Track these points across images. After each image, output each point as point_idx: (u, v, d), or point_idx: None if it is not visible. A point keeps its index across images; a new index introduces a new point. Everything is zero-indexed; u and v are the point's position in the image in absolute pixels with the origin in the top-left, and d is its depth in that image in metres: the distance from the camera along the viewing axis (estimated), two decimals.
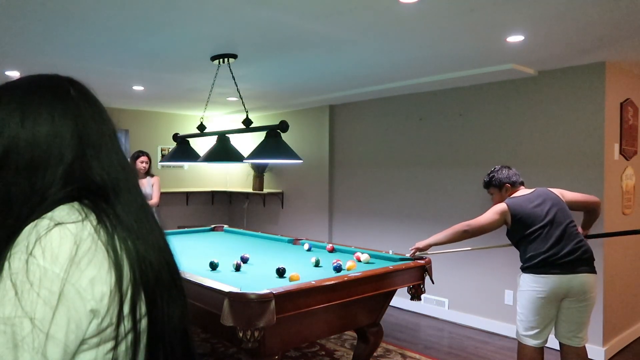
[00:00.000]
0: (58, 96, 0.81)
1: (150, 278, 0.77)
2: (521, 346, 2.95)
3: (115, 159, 0.83)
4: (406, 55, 3.70)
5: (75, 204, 0.76)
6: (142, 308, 0.75)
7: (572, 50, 3.55)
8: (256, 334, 2.25)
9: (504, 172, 3.12)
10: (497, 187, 3.13)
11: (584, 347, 2.93)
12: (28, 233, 0.70)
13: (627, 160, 4.20)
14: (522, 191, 3.08)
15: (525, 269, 2.93)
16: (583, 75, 3.97)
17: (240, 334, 2.24)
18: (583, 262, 2.85)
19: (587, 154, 3.95)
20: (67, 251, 0.69)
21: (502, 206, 2.99)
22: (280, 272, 2.84)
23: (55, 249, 0.69)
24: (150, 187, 5.20)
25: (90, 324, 0.70)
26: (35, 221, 0.72)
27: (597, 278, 2.93)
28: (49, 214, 0.73)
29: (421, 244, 3.18)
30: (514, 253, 3.15)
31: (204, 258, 3.53)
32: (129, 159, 5.01)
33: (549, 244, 2.85)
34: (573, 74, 4.03)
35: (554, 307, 2.87)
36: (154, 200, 5.18)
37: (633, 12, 2.72)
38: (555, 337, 2.97)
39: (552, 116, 4.14)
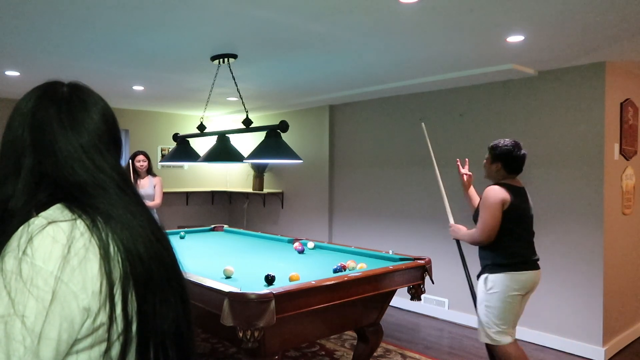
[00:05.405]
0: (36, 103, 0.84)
1: (140, 274, 0.75)
2: (503, 347, 2.84)
3: (100, 161, 0.82)
4: (406, 55, 3.70)
5: (64, 204, 0.76)
6: (134, 304, 0.74)
7: (572, 50, 3.55)
8: (256, 334, 2.25)
9: (509, 149, 2.92)
10: (493, 157, 2.96)
11: None
12: (21, 233, 0.70)
13: (627, 160, 4.20)
14: (515, 182, 2.96)
15: (500, 268, 2.84)
16: (583, 75, 3.97)
17: (240, 334, 2.25)
18: (537, 259, 2.96)
19: (587, 154, 3.95)
20: (59, 249, 0.69)
21: (498, 193, 2.82)
22: (270, 280, 2.65)
23: (47, 247, 0.68)
24: (152, 188, 5.09)
25: (84, 322, 0.69)
26: (29, 220, 0.72)
27: None
28: (43, 213, 0.73)
29: (457, 230, 3.19)
30: None
31: (203, 258, 3.53)
32: (127, 159, 4.92)
33: (529, 241, 2.93)
34: (573, 74, 4.03)
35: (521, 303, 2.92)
36: (157, 201, 5.07)
37: (633, 13, 2.72)
38: None
39: (552, 116, 4.14)
